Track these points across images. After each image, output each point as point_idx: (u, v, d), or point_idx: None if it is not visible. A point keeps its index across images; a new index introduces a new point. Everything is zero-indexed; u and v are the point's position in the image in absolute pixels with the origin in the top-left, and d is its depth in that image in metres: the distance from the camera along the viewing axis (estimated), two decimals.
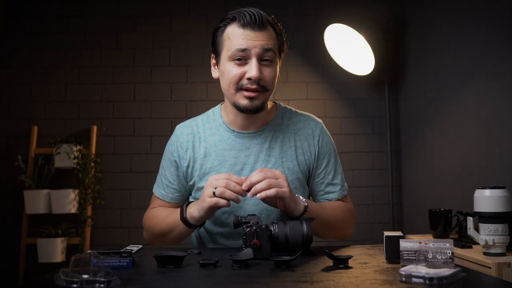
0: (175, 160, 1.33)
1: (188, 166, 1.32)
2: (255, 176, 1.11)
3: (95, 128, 2.86)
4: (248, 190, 1.11)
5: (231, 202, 1.21)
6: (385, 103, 2.93)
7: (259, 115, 1.28)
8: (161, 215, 1.32)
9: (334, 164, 1.36)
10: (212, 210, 1.15)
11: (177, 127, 1.38)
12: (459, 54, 2.23)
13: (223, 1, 2.99)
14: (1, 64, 2.91)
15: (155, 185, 1.40)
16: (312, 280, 0.80)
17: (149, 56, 2.96)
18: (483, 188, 1.45)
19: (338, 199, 1.35)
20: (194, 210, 1.18)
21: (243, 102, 1.21)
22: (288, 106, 1.40)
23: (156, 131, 2.88)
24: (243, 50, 1.18)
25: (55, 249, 2.64)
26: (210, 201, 1.11)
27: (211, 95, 2.89)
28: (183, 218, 1.20)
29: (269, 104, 1.34)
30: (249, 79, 1.18)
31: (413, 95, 2.79)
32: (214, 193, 1.10)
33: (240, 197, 1.27)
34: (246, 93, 1.20)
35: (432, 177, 2.53)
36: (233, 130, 1.30)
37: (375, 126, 2.98)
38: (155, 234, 1.33)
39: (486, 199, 1.42)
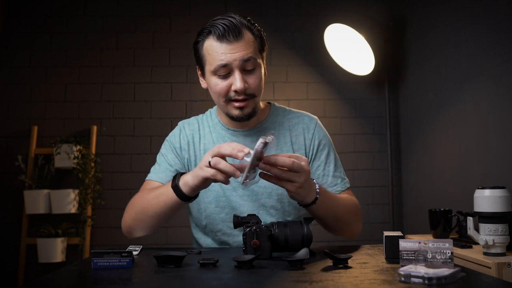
0: (176, 149, 1.36)
1: (189, 160, 1.35)
2: (281, 160, 1.02)
3: (95, 128, 2.86)
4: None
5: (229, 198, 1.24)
6: (385, 103, 2.93)
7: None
8: (150, 192, 1.24)
9: (334, 156, 1.37)
10: (206, 181, 1.07)
11: (180, 122, 1.43)
12: (459, 54, 2.23)
13: (223, 1, 2.99)
14: (1, 64, 2.91)
15: (149, 174, 1.35)
16: (312, 280, 0.80)
17: (149, 56, 2.96)
18: (483, 188, 1.45)
19: (342, 191, 1.35)
20: (189, 178, 1.11)
21: (235, 112, 1.24)
22: (282, 106, 1.43)
23: (156, 131, 2.88)
24: (225, 65, 1.19)
25: (55, 249, 2.64)
26: (206, 171, 1.04)
27: (211, 95, 2.88)
28: (175, 186, 1.12)
29: (262, 104, 1.38)
30: (235, 91, 1.21)
31: (413, 95, 2.79)
32: (209, 162, 1.03)
33: (236, 193, 1.29)
34: (236, 104, 1.23)
35: (432, 177, 2.53)
36: (228, 129, 1.35)
37: (375, 126, 2.98)
38: (136, 211, 1.24)
39: (486, 199, 1.43)
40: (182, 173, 1.15)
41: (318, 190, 1.13)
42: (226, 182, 1.04)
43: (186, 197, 1.13)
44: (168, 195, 1.15)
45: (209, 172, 1.04)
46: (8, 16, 2.94)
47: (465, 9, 2.19)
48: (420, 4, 2.69)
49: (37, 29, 2.95)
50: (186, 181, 1.11)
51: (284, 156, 1.03)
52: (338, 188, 1.34)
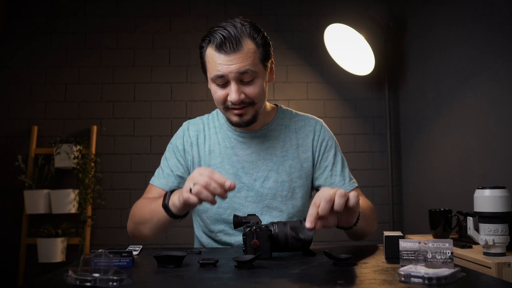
0: (180, 152, 1.36)
1: (193, 162, 1.35)
2: (322, 210, 0.93)
3: (95, 128, 2.86)
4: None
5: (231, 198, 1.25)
6: (385, 103, 2.93)
7: (259, 117, 1.31)
8: (148, 201, 1.28)
9: (340, 157, 1.39)
10: (188, 205, 1.06)
11: (185, 123, 1.42)
12: (459, 54, 2.23)
13: (223, 1, 2.99)
14: (1, 64, 2.91)
15: (153, 178, 1.37)
16: (312, 280, 0.80)
17: (149, 56, 2.96)
18: (483, 188, 1.45)
19: (351, 190, 1.35)
20: (176, 198, 1.11)
21: (234, 118, 1.26)
22: (289, 108, 1.44)
23: (156, 131, 2.88)
24: (221, 76, 1.20)
25: (55, 249, 2.64)
26: (186, 196, 1.02)
27: (211, 95, 2.87)
28: (165, 205, 1.14)
29: (269, 106, 1.39)
30: (231, 101, 1.22)
31: (413, 95, 2.79)
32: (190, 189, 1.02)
33: (240, 195, 1.27)
34: (235, 111, 1.24)
35: (432, 177, 2.53)
36: (235, 130, 1.35)
37: (375, 126, 2.98)
38: (136, 221, 1.28)
39: (486, 199, 1.42)
40: (173, 191, 1.16)
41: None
42: (213, 202, 1.01)
43: (176, 216, 1.14)
44: (160, 213, 1.16)
45: (187, 197, 1.02)
46: (8, 16, 2.94)
47: (465, 9, 2.19)
48: (420, 4, 2.69)
49: (37, 29, 2.95)
50: (174, 202, 1.11)
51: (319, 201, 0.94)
52: (346, 187, 1.35)
